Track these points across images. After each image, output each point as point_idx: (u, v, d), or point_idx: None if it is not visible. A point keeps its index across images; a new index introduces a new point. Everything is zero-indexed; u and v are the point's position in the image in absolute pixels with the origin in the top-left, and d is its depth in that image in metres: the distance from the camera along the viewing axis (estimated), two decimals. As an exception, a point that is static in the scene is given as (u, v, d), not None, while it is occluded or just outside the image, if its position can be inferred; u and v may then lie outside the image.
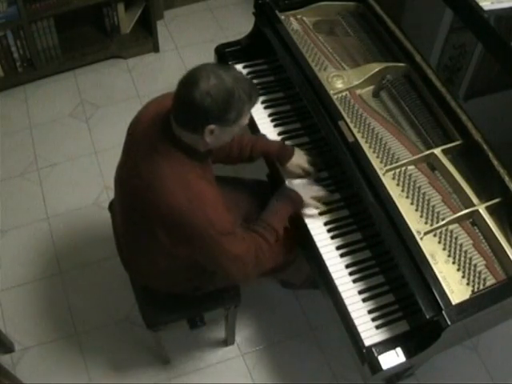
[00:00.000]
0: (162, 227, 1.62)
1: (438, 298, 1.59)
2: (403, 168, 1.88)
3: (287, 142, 2.13)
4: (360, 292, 1.81)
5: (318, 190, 1.96)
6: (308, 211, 1.95)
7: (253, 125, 2.18)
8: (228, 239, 1.64)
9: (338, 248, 1.89)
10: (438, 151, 1.87)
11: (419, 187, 1.84)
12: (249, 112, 1.58)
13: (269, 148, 2.01)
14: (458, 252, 1.73)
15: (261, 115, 2.21)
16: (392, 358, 1.67)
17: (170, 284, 1.90)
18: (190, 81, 1.48)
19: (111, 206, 2.09)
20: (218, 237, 1.61)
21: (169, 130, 1.58)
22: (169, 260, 1.76)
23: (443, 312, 1.57)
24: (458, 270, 1.70)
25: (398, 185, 1.85)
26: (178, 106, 1.53)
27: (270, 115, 2.21)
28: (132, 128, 1.74)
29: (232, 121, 1.53)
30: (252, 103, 1.56)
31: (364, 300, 1.80)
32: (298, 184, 1.96)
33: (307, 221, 1.94)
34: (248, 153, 1.99)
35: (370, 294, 1.81)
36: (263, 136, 2.09)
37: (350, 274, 1.84)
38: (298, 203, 1.91)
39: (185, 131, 1.55)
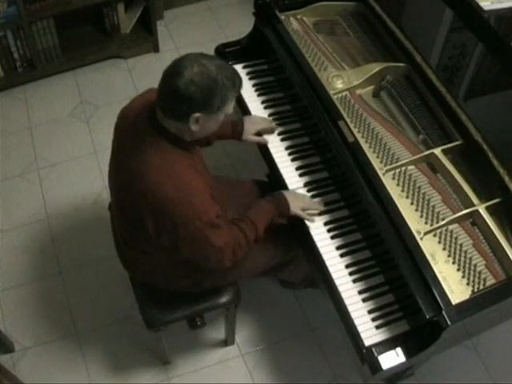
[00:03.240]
0: (149, 216, 1.64)
1: (438, 297, 1.59)
2: (403, 168, 1.88)
3: (287, 142, 2.13)
4: (360, 292, 1.81)
5: (311, 205, 1.93)
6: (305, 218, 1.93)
7: (253, 125, 2.19)
8: (213, 231, 1.66)
9: (337, 248, 1.89)
10: (438, 151, 1.87)
11: (419, 187, 1.84)
12: (233, 99, 1.61)
13: (222, 130, 1.95)
14: (458, 252, 1.73)
15: (261, 115, 2.21)
16: (392, 358, 1.67)
17: (166, 279, 1.91)
18: (173, 70, 1.52)
19: (111, 206, 2.10)
20: (202, 227, 1.63)
21: (155, 121, 1.61)
22: (160, 253, 1.77)
23: (443, 312, 1.57)
24: (458, 269, 1.70)
25: (397, 185, 1.85)
26: (162, 95, 1.55)
27: (270, 115, 2.21)
28: (119, 124, 1.77)
29: (216, 108, 1.55)
30: (235, 90, 1.59)
31: (364, 300, 1.80)
32: (291, 193, 1.95)
33: (307, 220, 1.94)
34: (204, 139, 1.96)
35: (369, 294, 1.81)
36: None
37: (350, 273, 1.84)
38: (283, 210, 1.89)
39: (170, 120, 1.58)
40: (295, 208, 1.90)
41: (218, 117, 1.61)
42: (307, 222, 1.93)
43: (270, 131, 2.11)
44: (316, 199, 1.98)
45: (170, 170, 1.60)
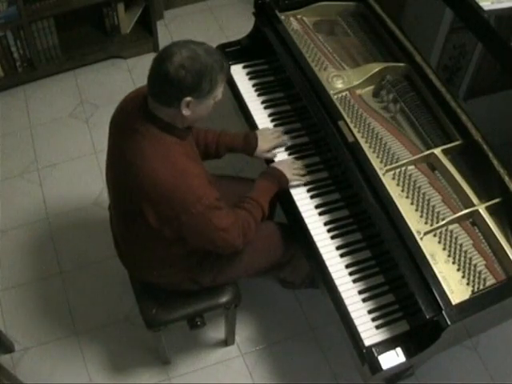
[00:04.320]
0: (149, 207, 1.65)
1: (438, 298, 1.59)
2: (403, 168, 1.88)
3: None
4: (360, 292, 1.81)
5: (299, 166, 2.02)
6: (295, 183, 1.99)
7: (253, 125, 2.19)
8: (214, 213, 1.67)
9: (338, 248, 1.89)
10: (437, 151, 1.87)
11: (419, 187, 1.84)
12: (222, 83, 1.63)
13: (233, 143, 2.05)
14: (458, 252, 1.73)
15: (261, 115, 2.21)
16: (392, 358, 1.67)
17: (166, 276, 1.91)
18: (163, 56, 1.55)
19: (110, 205, 2.10)
20: (204, 210, 1.64)
21: (146, 111, 1.63)
22: (160, 245, 1.77)
23: (443, 312, 1.57)
24: (458, 269, 1.70)
25: (397, 185, 1.85)
26: (153, 81, 1.58)
27: (270, 115, 2.21)
28: (113, 120, 1.79)
29: (206, 91, 1.58)
30: (224, 73, 1.62)
31: (364, 300, 1.80)
32: (280, 162, 2.01)
33: (307, 220, 1.94)
34: (213, 149, 2.03)
35: (370, 294, 1.81)
36: (226, 131, 2.09)
37: (350, 273, 1.84)
38: (282, 181, 1.95)
39: (162, 106, 1.59)
40: (291, 176, 1.97)
41: (208, 101, 1.62)
42: (307, 222, 1.93)
43: (280, 146, 2.12)
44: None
45: (164, 157, 1.61)
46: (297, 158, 2.08)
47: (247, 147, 2.06)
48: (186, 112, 1.59)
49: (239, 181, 2.23)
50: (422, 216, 1.78)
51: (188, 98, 1.56)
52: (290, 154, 2.09)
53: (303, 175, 2.02)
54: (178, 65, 1.51)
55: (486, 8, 2.03)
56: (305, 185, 2.02)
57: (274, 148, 2.09)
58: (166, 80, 1.53)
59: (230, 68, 1.68)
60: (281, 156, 2.10)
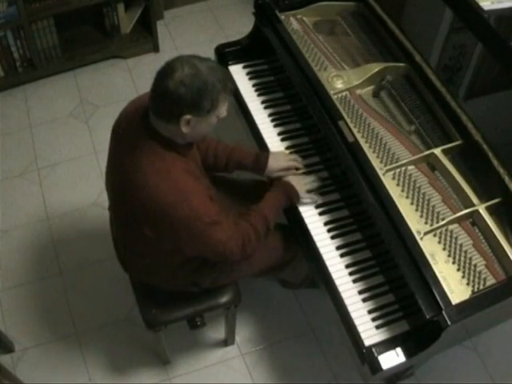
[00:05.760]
0: (147, 222, 1.64)
1: (438, 298, 1.59)
2: (403, 168, 1.88)
3: (287, 142, 2.13)
4: (360, 292, 1.81)
5: (311, 182, 1.97)
6: (305, 201, 1.96)
7: (253, 125, 2.19)
8: (215, 228, 1.66)
9: (338, 248, 1.89)
10: (437, 151, 1.87)
11: (419, 187, 1.84)
12: (225, 102, 1.60)
13: (242, 160, 2.00)
14: (458, 252, 1.73)
15: (261, 115, 2.21)
16: (392, 358, 1.67)
17: (166, 279, 1.91)
18: (165, 71, 1.53)
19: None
20: (205, 227, 1.63)
21: (148, 124, 1.61)
22: (159, 254, 1.77)
23: (443, 312, 1.57)
24: (458, 269, 1.70)
25: (398, 185, 1.85)
26: (154, 96, 1.56)
27: (269, 115, 2.21)
28: (114, 128, 1.77)
29: (207, 110, 1.55)
30: (227, 92, 1.58)
31: (364, 300, 1.80)
32: (292, 178, 1.97)
33: (307, 220, 1.94)
34: (223, 163, 2.00)
35: (369, 294, 1.81)
36: (239, 147, 2.05)
37: (350, 273, 1.84)
38: (293, 196, 1.92)
39: (162, 122, 1.58)
40: (303, 193, 1.93)
41: (210, 119, 1.60)
42: (307, 222, 1.93)
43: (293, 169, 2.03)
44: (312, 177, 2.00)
45: (164, 174, 1.59)
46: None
47: (257, 165, 1.99)
48: (185, 130, 1.56)
49: (239, 183, 2.22)
50: (422, 216, 1.78)
51: (187, 116, 1.53)
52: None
53: (315, 190, 1.97)
54: (178, 81, 1.49)
55: (485, 8, 2.03)
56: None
57: (285, 170, 2.00)
58: (166, 96, 1.51)
59: (233, 87, 1.62)
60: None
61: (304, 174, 2.01)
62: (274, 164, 2.00)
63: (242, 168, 2.02)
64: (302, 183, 1.95)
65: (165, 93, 1.50)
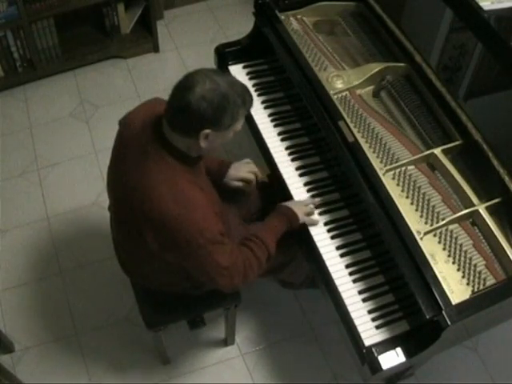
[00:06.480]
0: (150, 232, 1.61)
1: (438, 298, 1.59)
2: (403, 168, 1.88)
3: (287, 142, 2.13)
4: (360, 292, 1.81)
5: (310, 205, 1.95)
6: (310, 222, 1.94)
7: (253, 125, 2.19)
8: (216, 248, 1.63)
9: (338, 248, 1.89)
10: (437, 151, 1.87)
11: (419, 187, 1.84)
12: (243, 117, 1.59)
13: (208, 164, 1.95)
14: (458, 252, 1.73)
15: (261, 115, 2.21)
16: (392, 358, 1.67)
17: (167, 284, 1.90)
18: (185, 85, 1.50)
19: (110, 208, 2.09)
20: (206, 245, 1.60)
21: (160, 135, 1.58)
22: (160, 263, 1.75)
23: (443, 312, 1.57)
24: (458, 269, 1.70)
25: (398, 185, 1.85)
26: (172, 110, 1.53)
27: (270, 115, 2.21)
28: (122, 132, 1.74)
29: (227, 125, 1.54)
30: (246, 108, 1.58)
31: (364, 300, 1.80)
32: (292, 202, 1.95)
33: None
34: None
35: (369, 294, 1.81)
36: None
37: (350, 273, 1.84)
38: (293, 221, 1.89)
39: (178, 136, 1.55)
40: (302, 216, 1.90)
41: (228, 134, 1.59)
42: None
43: (251, 183, 2.04)
44: (316, 199, 1.98)
45: (171, 185, 1.57)
46: (297, 159, 2.09)
47: (219, 172, 1.99)
48: (203, 144, 1.55)
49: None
50: (422, 216, 1.78)
51: (207, 131, 1.52)
52: (289, 154, 2.09)
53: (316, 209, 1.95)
54: (199, 96, 1.46)
55: (485, 8, 2.03)
56: (304, 185, 2.02)
57: (243, 181, 2.02)
58: (187, 111, 1.48)
59: (252, 101, 1.61)
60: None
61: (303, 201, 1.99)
62: (233, 172, 2.00)
63: (207, 172, 1.97)
64: (301, 207, 1.92)
65: (186, 107, 1.48)
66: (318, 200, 1.98)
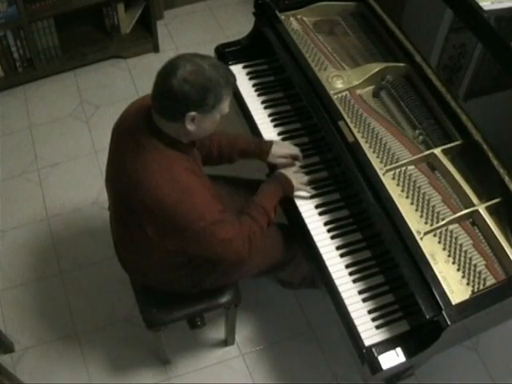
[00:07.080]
0: (149, 221, 1.63)
1: (438, 297, 1.59)
2: (403, 168, 1.88)
3: (287, 142, 2.13)
4: (360, 292, 1.81)
5: (304, 175, 2.00)
6: (300, 194, 1.98)
7: (253, 125, 2.19)
8: (218, 227, 1.66)
9: (338, 248, 1.89)
10: (437, 151, 1.87)
11: (419, 187, 1.84)
12: (228, 97, 1.60)
13: (247, 147, 2.01)
14: (458, 252, 1.73)
15: (261, 115, 2.21)
16: (392, 358, 1.67)
17: (167, 281, 1.91)
18: (167, 70, 1.53)
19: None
20: (208, 227, 1.63)
21: (151, 123, 1.61)
22: (160, 255, 1.77)
23: (443, 312, 1.57)
24: (458, 269, 1.70)
25: (398, 185, 1.85)
26: (157, 96, 1.55)
27: (269, 115, 2.21)
28: (116, 128, 1.77)
29: (211, 106, 1.56)
30: (229, 88, 1.59)
31: (364, 300, 1.80)
32: (286, 170, 1.98)
33: (307, 221, 1.94)
34: (227, 153, 2.01)
35: (369, 293, 1.81)
36: (241, 135, 2.09)
37: (350, 273, 1.84)
38: (288, 187, 1.93)
39: (166, 121, 1.58)
40: (297, 184, 1.94)
41: (214, 116, 1.60)
42: (307, 222, 1.93)
43: (296, 159, 2.04)
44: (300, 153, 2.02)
45: (167, 173, 1.59)
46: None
47: (260, 150, 2.01)
48: (190, 127, 1.57)
49: (240, 182, 2.22)
50: (422, 216, 1.78)
51: (192, 113, 1.54)
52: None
53: (308, 185, 1.99)
54: (181, 79, 1.49)
55: (485, 8, 2.03)
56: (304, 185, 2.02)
57: (288, 157, 2.03)
58: (170, 95, 1.51)
59: (235, 82, 1.63)
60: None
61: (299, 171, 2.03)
62: (277, 149, 2.01)
63: (246, 155, 2.03)
64: (296, 175, 1.97)
65: (169, 91, 1.50)
66: (301, 156, 2.03)
